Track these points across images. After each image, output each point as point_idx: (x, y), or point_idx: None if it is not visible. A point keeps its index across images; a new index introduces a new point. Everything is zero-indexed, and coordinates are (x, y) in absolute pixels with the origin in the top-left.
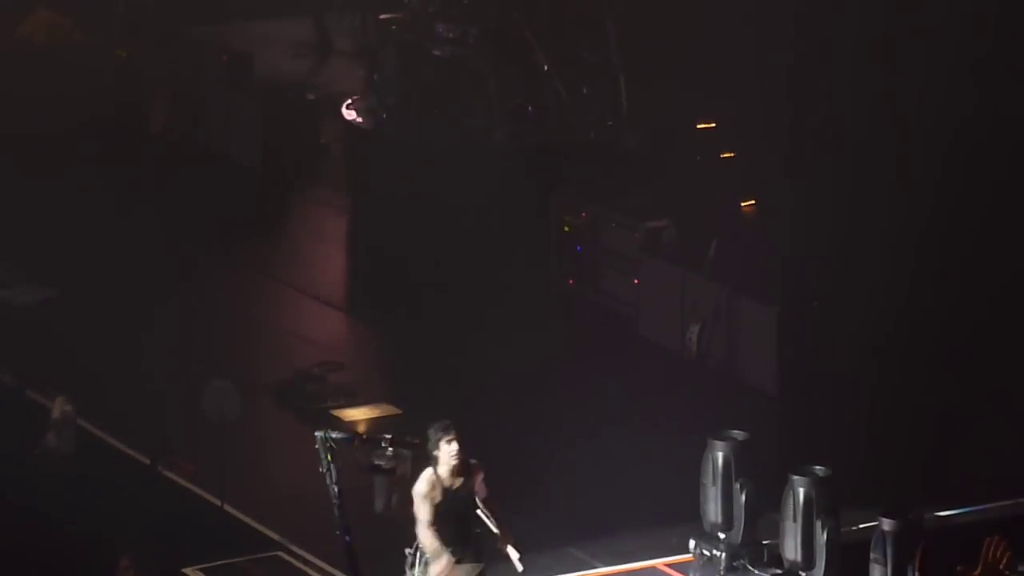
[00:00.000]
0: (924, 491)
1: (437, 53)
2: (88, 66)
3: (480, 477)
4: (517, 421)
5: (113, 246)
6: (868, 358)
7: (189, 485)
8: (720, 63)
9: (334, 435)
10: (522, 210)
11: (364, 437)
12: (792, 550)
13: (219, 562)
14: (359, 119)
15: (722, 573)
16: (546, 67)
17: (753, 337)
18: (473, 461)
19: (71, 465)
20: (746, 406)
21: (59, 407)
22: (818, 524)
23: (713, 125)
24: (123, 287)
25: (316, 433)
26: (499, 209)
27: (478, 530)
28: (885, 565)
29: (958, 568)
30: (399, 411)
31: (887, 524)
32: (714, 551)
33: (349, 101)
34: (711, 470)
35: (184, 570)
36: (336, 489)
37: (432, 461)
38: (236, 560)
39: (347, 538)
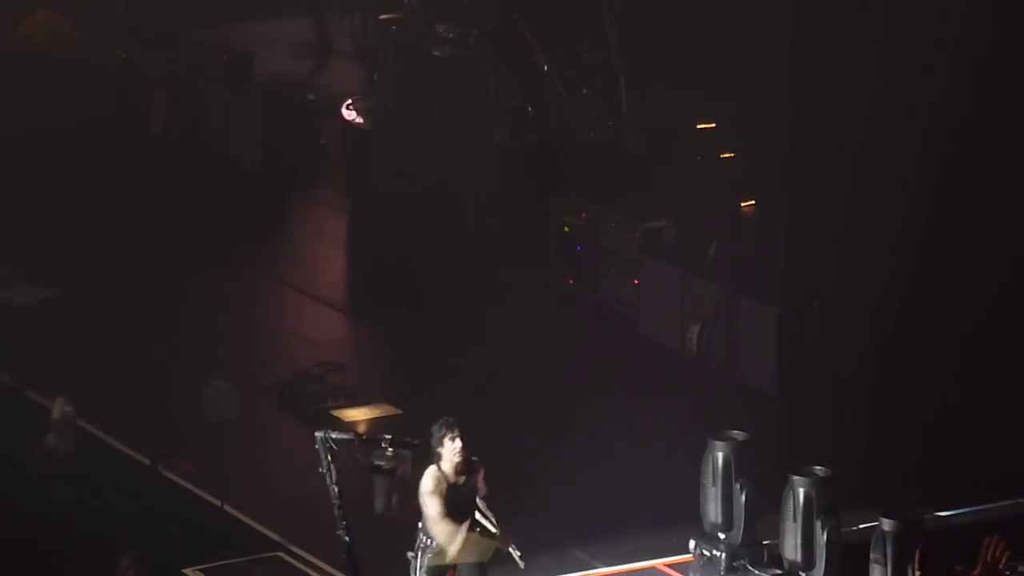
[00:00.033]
0: (924, 491)
1: (437, 53)
2: (88, 66)
3: (480, 475)
4: (517, 421)
5: (113, 246)
6: (868, 358)
7: (189, 485)
8: (720, 63)
9: (334, 435)
10: (522, 210)
11: (364, 437)
12: (792, 550)
13: (219, 562)
14: (359, 119)
15: (722, 573)
16: (546, 67)
17: (753, 337)
18: (475, 458)
19: (71, 465)
20: (746, 406)
21: (59, 408)
22: (818, 524)
23: (713, 125)
24: (123, 287)
25: (316, 433)
26: (499, 209)
27: (478, 529)
28: (885, 565)
29: (957, 568)
30: (399, 411)
31: (887, 524)
32: (714, 551)
33: (349, 101)
34: (711, 470)
35: (184, 570)
36: (336, 489)
37: (435, 458)
38: (236, 560)
39: (347, 538)
